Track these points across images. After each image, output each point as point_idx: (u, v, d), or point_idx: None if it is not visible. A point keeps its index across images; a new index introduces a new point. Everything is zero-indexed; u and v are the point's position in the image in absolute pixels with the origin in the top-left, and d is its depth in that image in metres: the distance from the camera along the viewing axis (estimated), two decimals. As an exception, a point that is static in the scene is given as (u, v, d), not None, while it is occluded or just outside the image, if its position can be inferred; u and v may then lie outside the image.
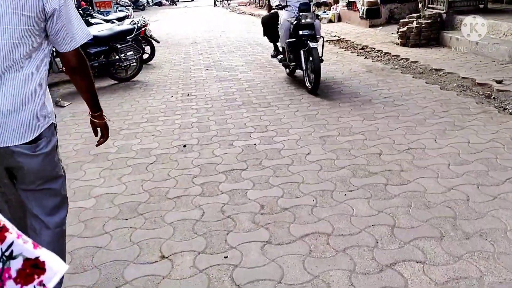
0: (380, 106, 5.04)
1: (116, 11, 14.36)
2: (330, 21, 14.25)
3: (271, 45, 7.28)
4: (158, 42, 9.13)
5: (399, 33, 8.98)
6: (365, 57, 8.14)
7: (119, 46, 6.93)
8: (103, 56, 6.89)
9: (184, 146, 4.23)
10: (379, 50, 8.55)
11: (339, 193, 3.08)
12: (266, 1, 6.01)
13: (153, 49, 8.97)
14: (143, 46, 8.17)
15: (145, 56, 8.92)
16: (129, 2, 15.61)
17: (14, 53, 1.63)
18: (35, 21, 1.66)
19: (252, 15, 21.17)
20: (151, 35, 8.77)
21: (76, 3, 18.08)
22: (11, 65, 1.64)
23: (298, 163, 3.65)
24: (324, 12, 14.76)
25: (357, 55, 8.41)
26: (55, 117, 1.88)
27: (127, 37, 7.00)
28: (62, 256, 1.98)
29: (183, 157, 3.95)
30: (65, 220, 1.97)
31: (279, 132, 4.44)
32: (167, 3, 38.27)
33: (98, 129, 2.11)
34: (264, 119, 4.90)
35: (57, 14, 1.69)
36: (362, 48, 9.03)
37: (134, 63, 7.28)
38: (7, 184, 1.82)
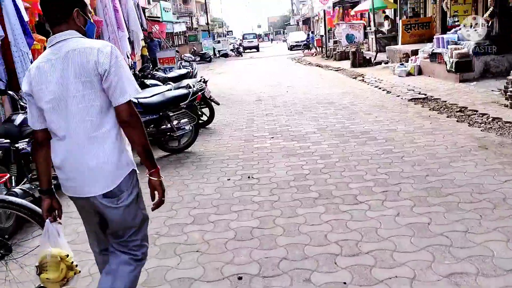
0: (526, 214, 3.45)
1: (180, 67, 13.93)
2: (409, 74, 12.75)
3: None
4: (218, 104, 8.15)
5: (508, 92, 7.31)
6: (469, 124, 6.52)
7: (171, 114, 5.96)
8: (153, 125, 5.94)
9: (240, 278, 2.91)
10: (484, 114, 6.91)
11: None
12: None
13: (212, 112, 8.00)
14: (200, 112, 7.22)
15: (203, 119, 7.97)
16: (193, 57, 15.20)
17: (88, 115, 2.00)
18: (95, 83, 1.99)
19: (319, 66, 20.19)
20: (210, 97, 7.82)
21: (156, 46, 17.91)
22: (89, 125, 2.00)
23: None
24: (402, 64, 13.33)
25: (457, 121, 6.81)
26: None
27: (181, 104, 6.02)
28: None
29: (236, 304, 2.62)
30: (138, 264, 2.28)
31: (379, 258, 2.99)
32: (233, 54, 38.74)
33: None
34: (352, 228, 3.49)
35: (107, 73, 1.99)
36: (460, 111, 7.43)
37: (188, 132, 6.26)
38: (97, 225, 2.26)
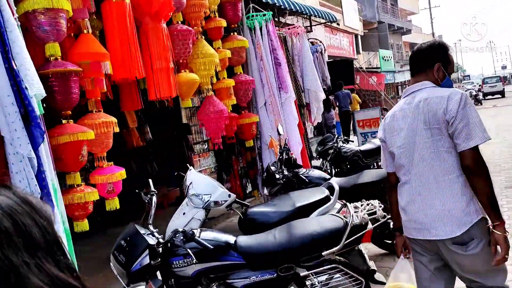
0: None
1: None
2: None
3: None
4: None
5: None
6: None
7: (303, 274, 2.74)
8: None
9: None
10: None
11: None
12: None
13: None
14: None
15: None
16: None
17: (437, 160, 2.08)
18: (443, 129, 2.07)
19: None
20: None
21: (345, 98, 11.85)
22: (438, 170, 2.08)
23: None
24: None
25: None
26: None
27: (326, 251, 2.75)
28: None
29: None
30: None
31: None
32: (470, 103, 32.26)
33: (497, 246, 2.02)
34: None
35: (453, 119, 2.04)
36: None
37: None
38: (436, 270, 2.22)
